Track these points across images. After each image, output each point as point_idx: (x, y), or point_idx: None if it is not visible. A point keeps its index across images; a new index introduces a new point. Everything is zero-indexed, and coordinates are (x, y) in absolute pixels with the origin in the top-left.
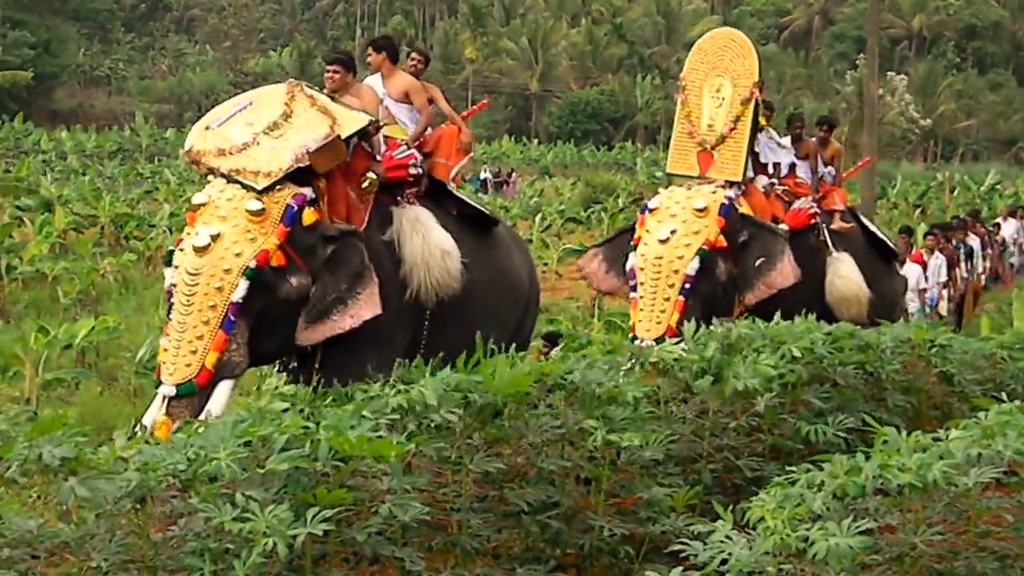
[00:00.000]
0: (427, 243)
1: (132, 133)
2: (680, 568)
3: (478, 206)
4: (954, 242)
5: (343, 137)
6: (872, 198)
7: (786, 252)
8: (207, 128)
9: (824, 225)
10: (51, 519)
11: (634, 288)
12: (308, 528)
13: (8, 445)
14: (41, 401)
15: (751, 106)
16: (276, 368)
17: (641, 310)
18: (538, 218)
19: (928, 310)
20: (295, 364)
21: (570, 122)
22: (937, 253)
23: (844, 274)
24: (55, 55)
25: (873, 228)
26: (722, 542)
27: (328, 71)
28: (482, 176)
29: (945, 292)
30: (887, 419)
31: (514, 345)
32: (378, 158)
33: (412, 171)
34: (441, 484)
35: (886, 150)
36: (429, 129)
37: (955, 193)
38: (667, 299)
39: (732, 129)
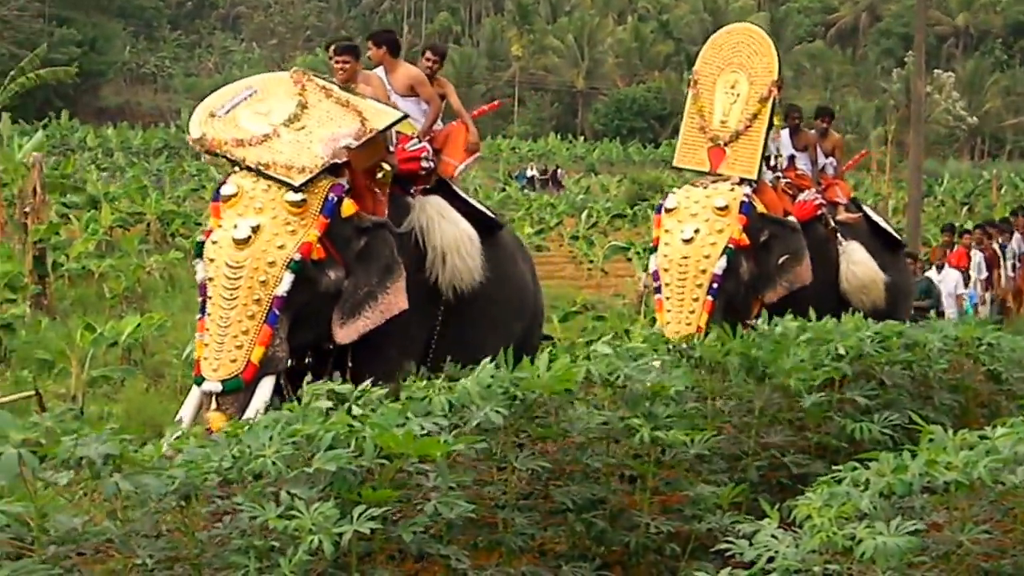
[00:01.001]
0: (458, 228)
1: (178, 130)
2: (728, 568)
3: (482, 208)
4: (999, 241)
5: (380, 131)
6: (919, 196)
7: (806, 249)
8: (212, 115)
9: (829, 216)
10: (96, 517)
11: (658, 289)
12: (354, 526)
13: (54, 443)
14: (87, 398)
15: (769, 104)
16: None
17: (668, 311)
18: (584, 215)
19: (969, 311)
20: (310, 360)
21: (616, 119)
22: (975, 250)
23: (859, 260)
24: (101, 53)
25: (877, 218)
26: (768, 540)
27: (338, 61)
28: (528, 173)
29: (987, 295)
30: (934, 417)
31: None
32: (391, 149)
33: (424, 164)
34: (486, 482)
35: (933, 148)
36: (440, 124)
37: (1002, 191)
38: (696, 299)
39: (748, 127)
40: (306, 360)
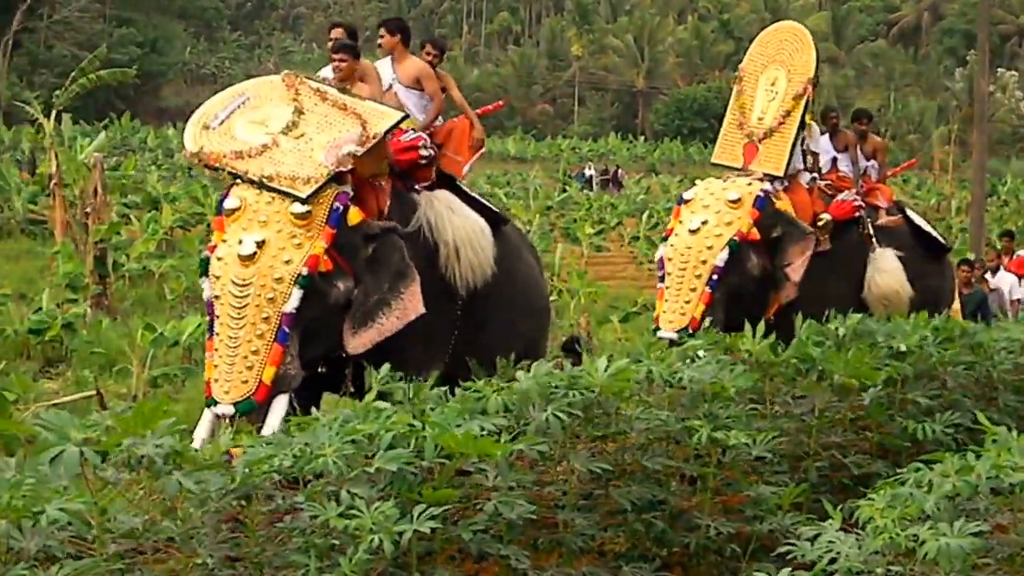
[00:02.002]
0: (468, 220)
1: None
2: (789, 569)
3: (487, 203)
4: None
5: (383, 136)
6: (982, 196)
7: (809, 252)
8: (206, 127)
9: (868, 220)
10: (156, 515)
11: (662, 279)
12: (414, 525)
13: (113, 440)
14: (147, 398)
15: (802, 102)
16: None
17: (666, 301)
18: (645, 216)
19: None
20: (322, 369)
21: (676, 119)
22: None
23: (885, 269)
24: (162, 53)
25: (921, 222)
26: (830, 541)
27: (335, 59)
28: (588, 173)
29: None
30: (997, 419)
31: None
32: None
33: (424, 152)
34: (546, 482)
35: (996, 147)
36: (440, 120)
37: None
38: (693, 290)
39: (781, 123)
40: (319, 370)
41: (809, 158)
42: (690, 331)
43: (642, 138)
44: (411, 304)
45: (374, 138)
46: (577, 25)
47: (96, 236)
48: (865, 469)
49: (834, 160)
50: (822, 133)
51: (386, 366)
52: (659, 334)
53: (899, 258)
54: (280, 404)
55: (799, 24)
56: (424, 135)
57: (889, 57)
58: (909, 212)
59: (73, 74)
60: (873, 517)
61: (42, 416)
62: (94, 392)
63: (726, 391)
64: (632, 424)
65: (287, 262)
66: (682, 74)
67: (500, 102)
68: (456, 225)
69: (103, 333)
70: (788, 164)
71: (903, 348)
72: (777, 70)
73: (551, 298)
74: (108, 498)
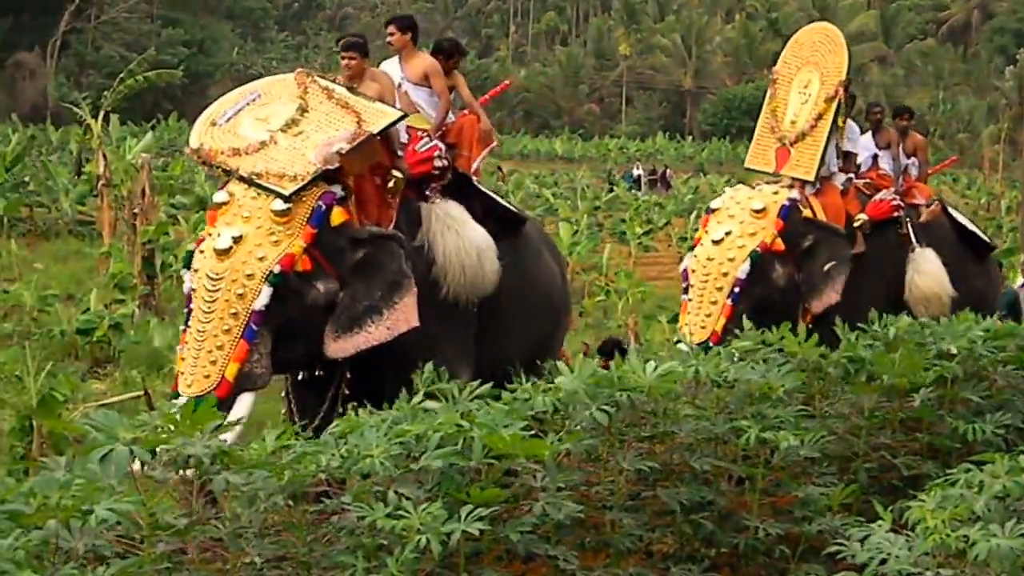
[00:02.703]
0: (462, 240)
1: None
2: (838, 571)
3: (504, 203)
4: None
5: (374, 134)
6: None
7: (849, 260)
8: (213, 124)
9: (908, 220)
10: (203, 515)
11: (686, 290)
12: (463, 526)
13: (160, 439)
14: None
15: (834, 105)
16: (300, 377)
17: (688, 313)
18: (693, 216)
19: None
20: (320, 373)
21: (725, 119)
22: None
23: (926, 271)
24: (209, 54)
25: (964, 221)
26: (881, 542)
27: (344, 57)
28: (635, 173)
29: None
30: None
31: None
32: (400, 153)
33: (438, 163)
34: (594, 482)
35: None
36: (452, 117)
37: None
38: (714, 303)
39: (812, 127)
40: (316, 372)
41: (844, 158)
42: (711, 345)
43: (690, 138)
44: (404, 315)
45: (364, 135)
46: (624, 24)
47: (144, 237)
48: (915, 470)
49: (874, 157)
50: (864, 131)
51: (429, 365)
52: (680, 346)
53: (942, 259)
54: (243, 403)
55: (831, 25)
56: (440, 144)
57: (938, 56)
58: (951, 210)
59: (121, 75)
60: (923, 518)
61: (91, 416)
62: (142, 392)
63: (774, 391)
64: (680, 425)
65: (261, 259)
66: (730, 73)
67: (506, 82)
68: (448, 243)
69: (151, 333)
70: (819, 169)
71: (953, 349)
72: (810, 72)
73: (599, 298)
74: (157, 498)
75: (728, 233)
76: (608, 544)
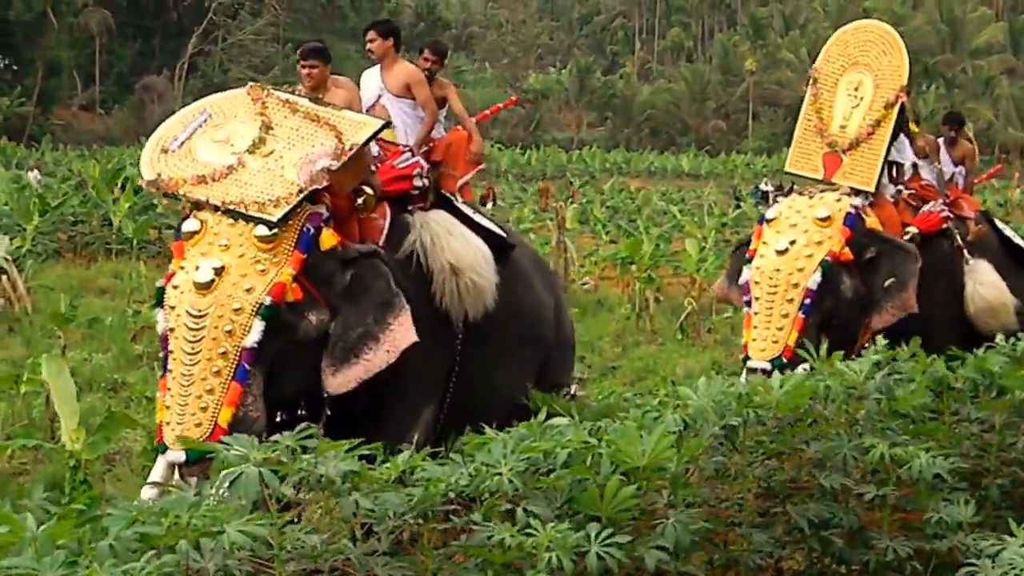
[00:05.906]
0: (469, 244)
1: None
2: None
3: (492, 226)
4: None
5: (362, 146)
6: None
7: (915, 275)
8: (165, 152)
9: (958, 232)
10: (334, 535)
11: (748, 304)
12: (596, 548)
13: (292, 461)
14: None
15: (895, 111)
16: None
17: (755, 327)
18: None
19: None
20: (329, 413)
21: None
22: None
23: (986, 281)
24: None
25: (1010, 233)
26: (1014, 558)
27: (304, 66)
28: (763, 189)
29: None
30: None
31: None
32: (372, 168)
33: (417, 182)
34: (722, 498)
35: None
36: (443, 132)
37: None
38: (785, 316)
39: (870, 134)
40: (299, 411)
41: (893, 169)
42: (784, 360)
43: None
44: (401, 335)
45: (350, 150)
46: (750, 40)
47: None
48: None
49: (914, 166)
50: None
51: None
52: (749, 364)
53: None
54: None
55: (884, 24)
56: (422, 161)
57: None
58: (997, 223)
59: None
60: None
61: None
62: None
63: (903, 407)
64: (808, 441)
65: (248, 290)
66: None
67: (510, 100)
68: (455, 248)
69: None
70: (879, 179)
71: None
72: (860, 73)
73: (727, 315)
74: (284, 518)
75: (792, 243)
76: (737, 561)
